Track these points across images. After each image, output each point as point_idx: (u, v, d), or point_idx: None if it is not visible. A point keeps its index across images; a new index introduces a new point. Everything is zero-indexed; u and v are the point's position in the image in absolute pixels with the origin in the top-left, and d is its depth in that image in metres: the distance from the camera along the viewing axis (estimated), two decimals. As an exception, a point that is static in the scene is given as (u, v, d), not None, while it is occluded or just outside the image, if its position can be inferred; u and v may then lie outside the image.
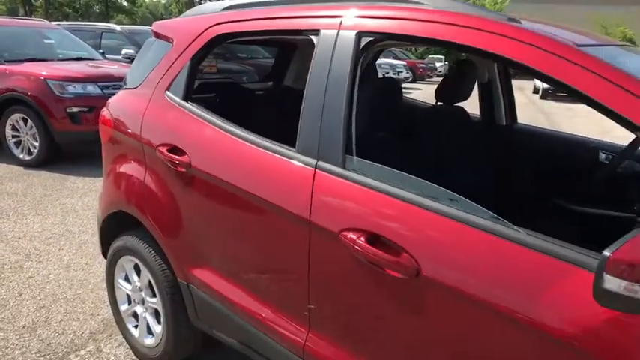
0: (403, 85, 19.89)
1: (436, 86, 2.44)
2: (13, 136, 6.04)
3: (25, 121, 5.90)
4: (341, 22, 1.60)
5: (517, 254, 1.13)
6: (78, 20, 30.84)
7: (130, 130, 2.25)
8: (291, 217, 1.55)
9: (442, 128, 2.28)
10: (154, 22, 2.51)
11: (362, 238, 1.35)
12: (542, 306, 1.08)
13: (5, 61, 6.17)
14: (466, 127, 2.48)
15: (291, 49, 3.31)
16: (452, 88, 2.40)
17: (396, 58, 22.81)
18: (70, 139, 5.92)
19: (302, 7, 1.81)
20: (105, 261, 2.54)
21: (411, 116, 2.52)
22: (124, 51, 8.64)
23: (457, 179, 1.58)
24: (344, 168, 1.47)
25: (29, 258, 3.52)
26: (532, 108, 14.30)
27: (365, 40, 1.54)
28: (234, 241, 1.84)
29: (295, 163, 1.59)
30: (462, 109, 2.54)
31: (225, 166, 1.80)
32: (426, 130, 2.27)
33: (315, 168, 1.53)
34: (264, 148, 1.71)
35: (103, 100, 5.36)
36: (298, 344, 1.63)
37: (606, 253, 0.84)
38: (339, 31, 1.59)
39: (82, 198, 4.86)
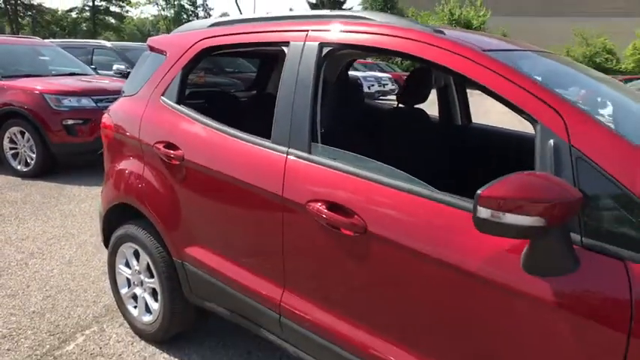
0: (389, 97, 20.45)
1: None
2: (11, 148, 6.30)
3: (22, 133, 6.17)
4: (307, 35, 1.96)
5: (437, 210, 1.47)
6: (65, 38, 31.14)
7: (129, 132, 2.58)
8: (268, 195, 1.89)
9: (403, 126, 2.63)
10: (149, 38, 2.85)
11: (323, 207, 1.69)
12: (455, 247, 1.42)
13: (2, 77, 6.46)
14: (425, 126, 2.84)
15: (272, 60, 3.67)
16: (410, 93, 2.76)
17: (382, 70, 23.32)
18: (65, 150, 6.19)
19: (275, 22, 2.17)
20: (104, 257, 2.84)
21: (376, 117, 2.88)
22: (115, 66, 8.96)
23: (415, 168, 1.92)
24: (310, 153, 1.82)
25: (33, 256, 3.80)
26: (511, 116, 14.76)
27: (326, 49, 1.90)
28: (223, 220, 2.17)
29: (271, 151, 1.93)
30: (421, 110, 2.90)
31: (214, 158, 2.14)
32: (388, 127, 2.62)
33: (287, 154, 1.87)
34: (246, 140, 2.05)
35: (97, 112, 5.72)
36: (275, 302, 1.95)
37: (479, 192, 1.18)
38: (305, 43, 1.95)
39: (79, 204, 5.15)
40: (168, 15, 57.43)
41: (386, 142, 2.44)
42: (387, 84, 21.56)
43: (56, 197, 5.38)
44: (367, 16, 1.88)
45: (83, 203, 5.17)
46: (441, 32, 1.70)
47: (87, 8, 51.19)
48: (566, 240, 1.21)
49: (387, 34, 1.76)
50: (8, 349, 2.61)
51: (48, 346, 2.65)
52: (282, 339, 1.99)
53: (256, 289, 2.02)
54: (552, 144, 1.32)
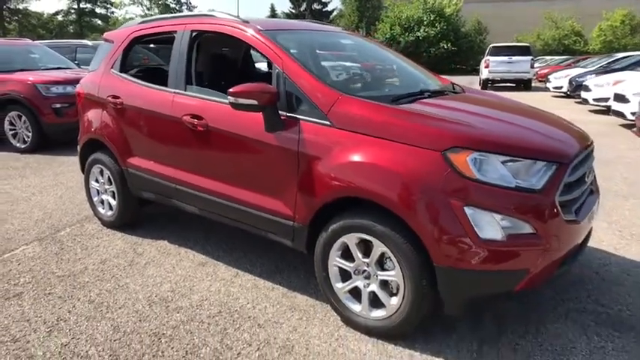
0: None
1: None
2: (11, 129, 7.77)
3: (20, 117, 7.63)
4: (185, 26, 3.47)
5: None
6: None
7: (92, 93, 4.08)
8: (166, 117, 3.39)
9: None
10: (105, 33, 4.35)
11: (189, 116, 3.20)
12: (240, 124, 2.92)
13: (0, 71, 7.91)
14: None
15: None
16: None
17: (355, 61, 24.71)
18: (55, 129, 7.65)
19: (172, 20, 3.69)
20: (83, 192, 4.34)
21: (256, 76, 4.39)
22: (95, 62, 10.39)
23: None
24: (185, 90, 3.33)
25: (34, 195, 5.30)
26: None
27: (194, 34, 3.41)
28: (146, 136, 3.65)
29: (166, 92, 3.43)
30: None
31: (139, 100, 3.63)
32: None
33: (174, 93, 3.38)
34: (156, 88, 3.55)
35: (79, 96, 7.11)
36: (173, 178, 3.45)
37: (229, 90, 2.68)
38: (184, 31, 3.46)
39: (68, 167, 6.63)
40: (153, 14, 58.48)
41: None
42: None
43: (49, 163, 6.87)
44: (214, 14, 3.39)
45: (70, 167, 6.65)
46: (247, 22, 3.20)
47: (72, 11, 52.35)
48: (276, 113, 2.71)
49: (221, 24, 3.28)
50: (23, 235, 4.12)
51: (47, 233, 4.15)
52: (177, 199, 3.50)
53: (165, 173, 3.53)
54: (277, 72, 2.83)
